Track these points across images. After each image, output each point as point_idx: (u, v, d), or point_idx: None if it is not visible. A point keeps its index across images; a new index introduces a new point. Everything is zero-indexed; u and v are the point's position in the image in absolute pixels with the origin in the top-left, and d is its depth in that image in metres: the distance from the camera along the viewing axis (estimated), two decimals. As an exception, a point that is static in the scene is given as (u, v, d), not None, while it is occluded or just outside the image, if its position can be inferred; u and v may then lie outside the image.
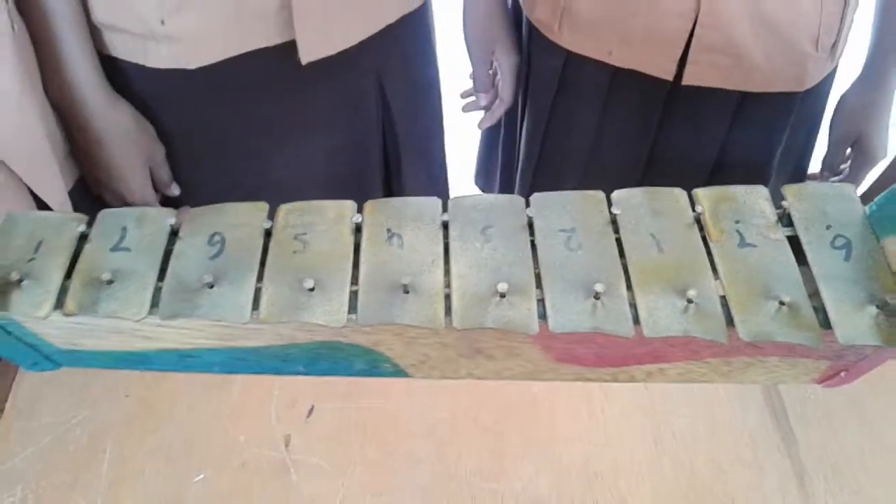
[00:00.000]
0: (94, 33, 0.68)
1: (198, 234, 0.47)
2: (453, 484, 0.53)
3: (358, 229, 0.48)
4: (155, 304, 0.44)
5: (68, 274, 0.46)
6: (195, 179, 0.80)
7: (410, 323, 0.43)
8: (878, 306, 0.44)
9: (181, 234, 0.47)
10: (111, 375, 0.57)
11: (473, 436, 0.55)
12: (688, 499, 0.52)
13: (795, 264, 0.46)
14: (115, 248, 0.47)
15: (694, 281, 0.45)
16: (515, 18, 0.91)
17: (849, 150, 0.86)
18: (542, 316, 0.44)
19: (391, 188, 0.91)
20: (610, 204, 0.49)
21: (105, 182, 0.74)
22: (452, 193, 1.01)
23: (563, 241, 0.47)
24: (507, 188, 1.07)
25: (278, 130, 0.78)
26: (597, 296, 0.44)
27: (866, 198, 0.49)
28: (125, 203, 0.74)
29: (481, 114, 0.96)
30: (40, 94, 0.66)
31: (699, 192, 0.49)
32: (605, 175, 0.91)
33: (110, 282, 0.44)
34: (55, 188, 0.67)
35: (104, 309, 0.44)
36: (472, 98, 0.95)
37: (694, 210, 0.49)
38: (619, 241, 0.47)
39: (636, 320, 0.44)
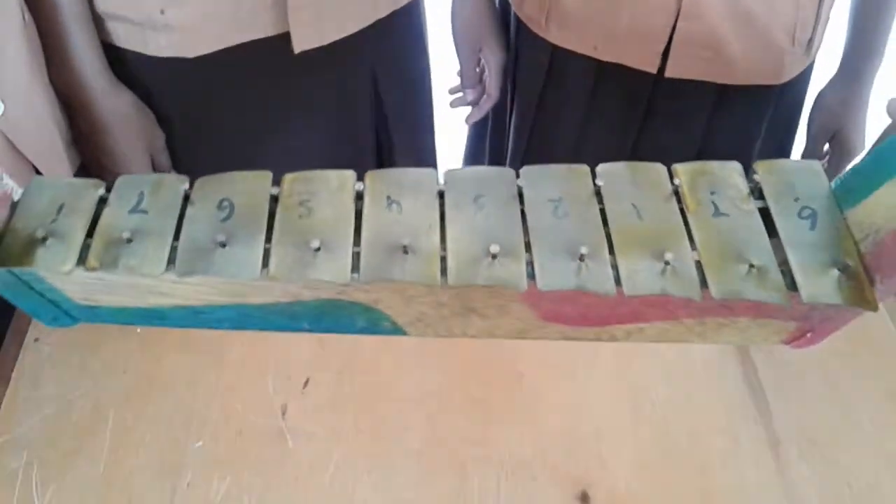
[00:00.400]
0: (97, 22, 0.72)
1: (207, 199, 0.51)
2: (443, 449, 0.55)
3: (359, 197, 0.51)
4: (171, 261, 0.48)
5: (89, 233, 0.49)
6: (193, 166, 0.83)
7: (409, 280, 0.47)
8: (839, 269, 0.47)
9: (192, 199, 0.51)
10: (110, 353, 0.59)
11: (462, 405, 0.58)
12: (665, 463, 0.55)
13: (765, 233, 0.50)
14: (132, 211, 0.50)
15: (671, 246, 0.48)
16: (503, 15, 0.95)
17: (827, 145, 0.91)
18: (531, 276, 0.48)
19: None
20: (594, 176, 0.53)
21: (107, 167, 0.77)
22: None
23: (550, 209, 0.51)
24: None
25: (273, 120, 0.81)
26: (581, 258, 0.47)
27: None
28: None
29: (469, 109, 1.00)
30: (46, 80, 0.69)
31: (678, 167, 0.53)
32: (591, 166, 0.95)
33: (129, 240, 0.48)
34: (61, 171, 0.70)
35: (124, 265, 0.47)
36: (460, 94, 0.99)
37: (672, 183, 0.52)
38: (602, 211, 0.51)
39: (617, 281, 0.47)
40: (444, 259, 0.48)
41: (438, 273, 0.47)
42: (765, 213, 0.51)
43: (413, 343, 0.60)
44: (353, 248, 0.48)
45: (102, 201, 0.51)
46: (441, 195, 0.51)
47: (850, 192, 0.50)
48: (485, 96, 0.96)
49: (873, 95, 0.86)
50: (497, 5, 0.94)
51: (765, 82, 0.82)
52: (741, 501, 0.54)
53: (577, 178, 0.53)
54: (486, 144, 1.08)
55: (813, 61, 0.85)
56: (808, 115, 0.91)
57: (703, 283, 0.47)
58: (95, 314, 0.56)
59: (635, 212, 0.51)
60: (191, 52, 0.72)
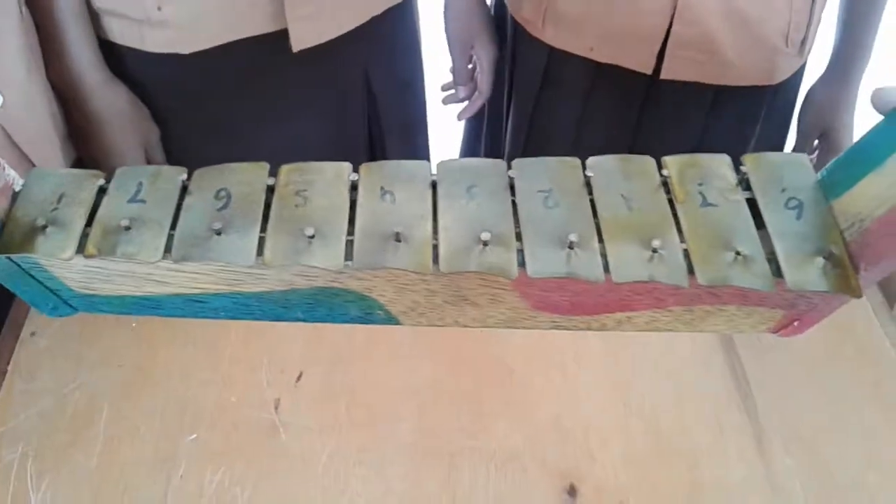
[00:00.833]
0: (93, 18, 0.73)
1: (205, 189, 0.52)
2: (434, 442, 0.56)
3: (354, 187, 0.52)
4: (168, 249, 0.49)
5: (89, 222, 0.50)
6: (186, 161, 0.84)
7: (401, 267, 0.48)
8: (824, 257, 0.48)
9: (190, 189, 0.52)
10: (106, 347, 0.60)
11: (453, 398, 0.58)
12: (652, 456, 0.56)
13: (752, 222, 0.51)
14: (131, 200, 0.51)
15: (659, 235, 0.49)
16: (498, 16, 0.96)
17: (816, 142, 0.92)
18: (522, 264, 0.48)
19: None
20: (585, 168, 0.54)
21: (101, 161, 0.78)
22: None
23: (541, 199, 0.52)
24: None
25: (268, 117, 0.82)
26: (571, 245, 0.48)
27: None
28: None
29: (461, 105, 1.01)
30: (43, 75, 0.70)
31: (667, 159, 0.54)
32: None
33: (128, 228, 0.49)
34: (56, 164, 0.71)
35: (122, 252, 0.48)
36: (453, 91, 1.00)
37: (661, 174, 0.53)
38: (592, 201, 0.52)
39: (606, 268, 0.48)
40: (435, 247, 0.49)
41: (430, 260, 0.48)
42: (752, 205, 0.52)
43: (405, 337, 0.61)
44: (347, 237, 0.49)
45: (102, 191, 0.52)
46: (434, 186, 0.52)
47: (835, 183, 0.51)
48: (476, 93, 0.97)
49: (861, 93, 0.87)
50: (490, 5, 0.96)
51: (759, 83, 0.83)
52: (726, 493, 0.55)
53: (568, 169, 0.54)
54: (482, 145, 1.09)
55: (805, 61, 0.87)
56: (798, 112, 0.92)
57: (691, 270, 0.48)
58: (93, 304, 0.57)
59: (625, 202, 0.51)
60: (187, 48, 0.73)
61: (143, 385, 0.58)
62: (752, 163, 0.54)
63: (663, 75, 0.81)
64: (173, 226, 0.50)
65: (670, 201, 0.52)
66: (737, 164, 0.54)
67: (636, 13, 0.78)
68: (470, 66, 0.96)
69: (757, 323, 0.56)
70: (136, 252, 0.48)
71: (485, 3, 0.93)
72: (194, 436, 0.56)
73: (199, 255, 0.48)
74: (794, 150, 0.92)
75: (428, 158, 1.03)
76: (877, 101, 0.49)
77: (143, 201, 0.51)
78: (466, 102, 1.00)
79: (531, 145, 0.97)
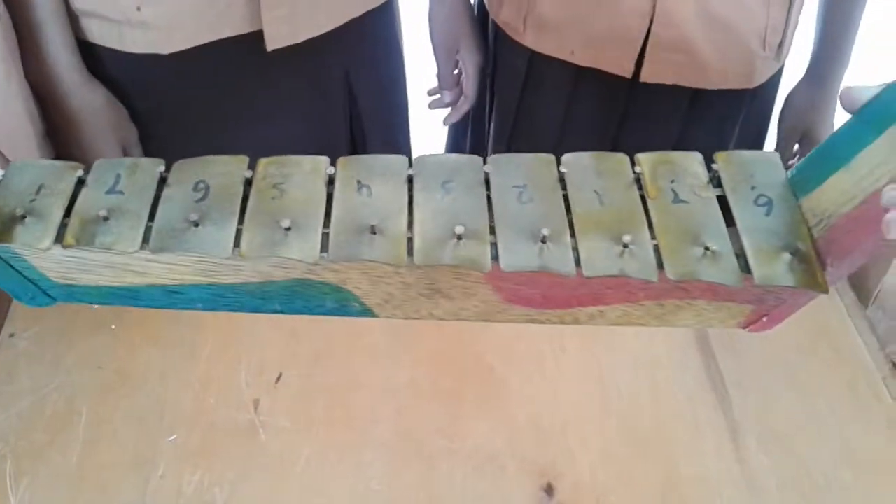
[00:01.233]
0: (72, 19, 0.73)
1: (184, 181, 0.52)
2: (412, 442, 0.57)
3: (331, 181, 0.53)
4: (146, 239, 0.49)
5: (67, 213, 0.50)
6: (167, 162, 0.84)
7: (376, 259, 0.48)
8: (791, 253, 0.49)
9: (169, 181, 0.52)
10: (85, 349, 0.60)
11: (431, 398, 0.59)
12: (630, 454, 0.57)
13: (722, 219, 0.52)
14: (109, 192, 0.51)
15: (630, 230, 0.50)
16: (481, 20, 0.97)
17: (797, 146, 0.93)
18: (495, 258, 0.49)
19: None
20: (559, 165, 0.54)
21: (80, 160, 0.78)
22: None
23: (515, 195, 0.52)
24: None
25: (247, 117, 0.83)
26: (543, 240, 0.49)
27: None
28: None
29: (447, 111, 1.01)
30: (21, 74, 0.70)
31: (640, 156, 0.55)
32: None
33: (106, 218, 0.49)
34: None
35: (100, 242, 0.49)
36: (438, 96, 1.01)
37: (634, 171, 0.54)
38: (565, 197, 0.53)
39: (577, 262, 0.49)
40: (410, 240, 0.50)
41: (405, 253, 0.49)
42: (723, 202, 0.53)
43: (383, 337, 0.61)
44: (323, 229, 0.50)
45: (81, 183, 0.52)
46: (410, 180, 0.53)
47: (805, 180, 0.52)
48: (462, 98, 0.97)
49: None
50: (475, 9, 0.96)
51: (737, 86, 0.84)
52: (702, 490, 0.55)
53: (543, 165, 0.55)
54: (466, 148, 1.09)
55: (783, 65, 0.88)
56: (777, 116, 0.93)
57: (660, 265, 0.49)
58: (72, 294, 0.57)
59: (597, 198, 0.52)
60: (166, 48, 0.73)
61: (121, 387, 0.58)
62: (724, 160, 0.55)
63: (643, 78, 0.82)
64: (151, 217, 0.50)
65: (642, 197, 0.53)
66: (709, 162, 0.55)
67: (616, 17, 0.79)
68: (455, 71, 0.96)
69: (727, 318, 0.57)
70: (113, 242, 0.49)
71: (470, 8, 0.94)
72: (173, 437, 0.56)
73: (177, 246, 0.49)
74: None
75: (409, 157, 1.04)
76: (846, 100, 0.50)
77: (121, 192, 0.51)
78: (452, 107, 1.00)
79: (514, 148, 0.97)
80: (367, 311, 0.57)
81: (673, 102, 0.86)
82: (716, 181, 0.54)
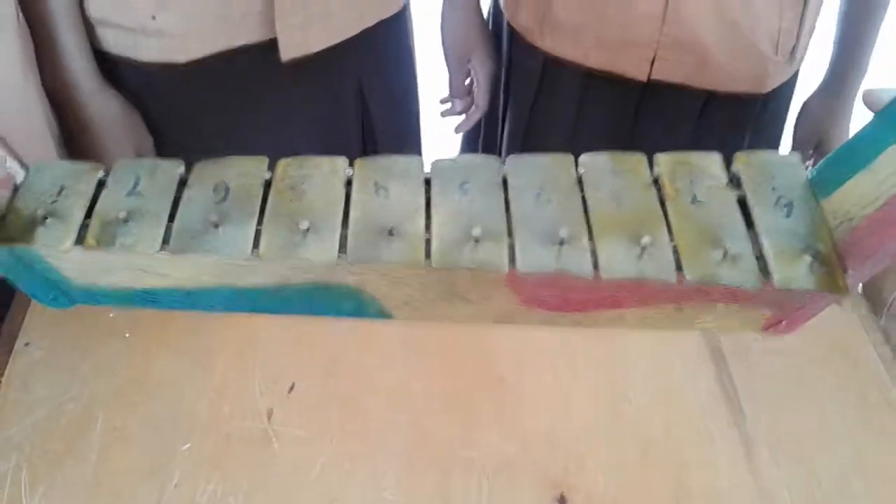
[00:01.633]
0: (88, 28, 0.74)
1: (204, 182, 0.53)
2: (426, 451, 0.56)
3: (349, 182, 0.53)
4: (166, 241, 0.50)
5: (88, 214, 0.51)
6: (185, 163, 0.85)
7: (394, 261, 0.48)
8: (812, 255, 0.49)
9: (189, 182, 0.53)
10: (100, 357, 0.60)
11: (445, 407, 0.59)
12: (642, 465, 0.56)
13: (742, 221, 0.51)
14: (129, 193, 0.52)
15: (649, 232, 0.50)
16: (494, 26, 0.97)
17: (812, 152, 0.92)
18: (513, 261, 0.49)
19: None
20: (577, 166, 0.54)
21: None
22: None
23: (533, 196, 0.52)
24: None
25: (260, 126, 0.83)
26: (561, 242, 0.49)
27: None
28: None
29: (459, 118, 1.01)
30: (38, 81, 0.71)
31: (659, 156, 0.55)
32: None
33: (126, 220, 0.50)
34: None
35: (120, 243, 0.49)
36: (450, 104, 1.01)
37: (652, 172, 0.54)
38: (583, 199, 0.52)
39: (595, 265, 0.49)
40: (428, 242, 0.50)
41: (423, 255, 0.49)
42: (743, 203, 0.52)
43: (397, 346, 0.61)
44: (341, 231, 0.50)
45: (101, 184, 0.53)
46: (427, 182, 0.53)
47: (825, 182, 0.52)
48: (473, 107, 0.97)
49: (857, 104, 0.88)
50: (487, 16, 0.96)
51: (749, 90, 0.84)
52: (715, 502, 0.55)
53: (561, 166, 0.54)
54: (480, 150, 1.09)
55: (797, 71, 0.87)
56: (793, 123, 0.93)
57: (679, 267, 0.49)
58: (92, 295, 0.58)
59: (615, 199, 0.52)
60: (181, 57, 0.74)
61: (136, 395, 0.59)
62: (744, 161, 0.54)
63: (653, 76, 0.82)
64: (171, 218, 0.51)
65: (661, 199, 0.53)
66: (729, 163, 0.55)
67: (630, 19, 0.79)
68: (467, 80, 0.96)
69: (745, 322, 0.57)
70: (134, 243, 0.49)
71: (482, 17, 0.94)
72: (188, 446, 0.56)
73: (196, 248, 0.49)
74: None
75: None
76: (868, 101, 0.50)
77: (140, 194, 0.52)
78: (464, 115, 1.01)
79: (527, 150, 0.97)
80: (384, 314, 0.58)
81: (684, 106, 0.86)
82: (735, 182, 0.54)
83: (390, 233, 0.49)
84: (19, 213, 0.50)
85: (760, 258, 0.49)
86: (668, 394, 0.60)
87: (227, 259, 0.50)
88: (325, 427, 0.57)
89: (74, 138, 0.77)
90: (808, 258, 0.49)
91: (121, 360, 0.60)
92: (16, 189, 0.52)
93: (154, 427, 0.57)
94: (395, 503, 0.54)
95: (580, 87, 0.88)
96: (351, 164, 0.54)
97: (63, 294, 0.58)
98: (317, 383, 0.60)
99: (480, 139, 1.09)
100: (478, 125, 1.03)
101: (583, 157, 0.55)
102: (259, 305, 0.58)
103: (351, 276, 0.53)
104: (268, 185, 0.53)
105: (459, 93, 0.97)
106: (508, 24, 0.92)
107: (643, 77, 0.83)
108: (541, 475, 0.55)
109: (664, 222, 0.51)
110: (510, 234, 0.50)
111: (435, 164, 0.54)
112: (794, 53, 0.82)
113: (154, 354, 0.61)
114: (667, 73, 0.81)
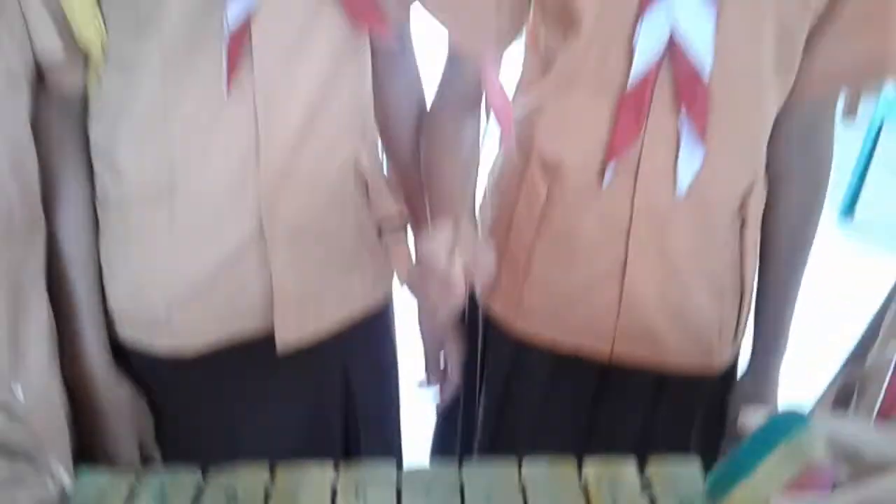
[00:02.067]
0: (107, 322, 0.84)
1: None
2: None
3: (334, 492, 0.65)
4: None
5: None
6: (174, 446, 0.94)
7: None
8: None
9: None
10: None
11: None
12: None
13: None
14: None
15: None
16: (472, 310, 1.12)
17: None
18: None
19: (349, 453, 1.04)
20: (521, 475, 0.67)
21: (100, 445, 0.88)
22: (406, 457, 1.17)
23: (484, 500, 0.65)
24: (466, 454, 1.22)
25: (251, 408, 0.93)
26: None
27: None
28: (113, 463, 0.88)
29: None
30: (58, 372, 0.80)
31: (587, 464, 0.68)
32: (553, 443, 1.07)
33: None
34: (61, 446, 0.81)
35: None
36: (427, 385, 1.14)
37: (581, 480, 0.67)
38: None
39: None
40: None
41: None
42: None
43: None
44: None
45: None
46: (399, 493, 0.66)
47: (717, 491, 0.62)
48: (446, 382, 1.11)
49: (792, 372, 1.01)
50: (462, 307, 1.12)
51: (699, 372, 0.96)
52: None
53: (506, 476, 0.68)
54: (459, 425, 1.21)
55: (738, 352, 1.00)
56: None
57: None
58: None
59: (553, 504, 0.65)
60: (189, 351, 0.84)
61: None
62: (654, 467, 0.67)
63: (613, 359, 0.95)
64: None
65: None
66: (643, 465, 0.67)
67: (591, 310, 0.93)
68: (442, 360, 1.11)
69: None
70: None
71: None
72: None
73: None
74: (726, 436, 1.03)
75: (400, 440, 1.14)
76: (742, 430, 0.62)
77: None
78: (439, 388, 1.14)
79: (501, 427, 1.09)
80: None
81: (640, 386, 0.98)
82: (648, 490, 0.66)
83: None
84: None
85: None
86: None
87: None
88: None
89: (83, 418, 0.85)
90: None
91: None
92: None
93: None
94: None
95: (548, 368, 1.00)
96: (336, 468, 0.66)
97: None
98: None
99: (459, 413, 1.21)
100: (456, 401, 1.16)
101: (525, 469, 0.68)
102: None
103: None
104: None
105: (435, 371, 1.10)
106: (484, 313, 1.06)
107: (604, 358, 0.95)
108: None
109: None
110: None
111: (406, 475, 0.67)
112: (735, 338, 0.96)
113: None
114: (624, 355, 0.94)
